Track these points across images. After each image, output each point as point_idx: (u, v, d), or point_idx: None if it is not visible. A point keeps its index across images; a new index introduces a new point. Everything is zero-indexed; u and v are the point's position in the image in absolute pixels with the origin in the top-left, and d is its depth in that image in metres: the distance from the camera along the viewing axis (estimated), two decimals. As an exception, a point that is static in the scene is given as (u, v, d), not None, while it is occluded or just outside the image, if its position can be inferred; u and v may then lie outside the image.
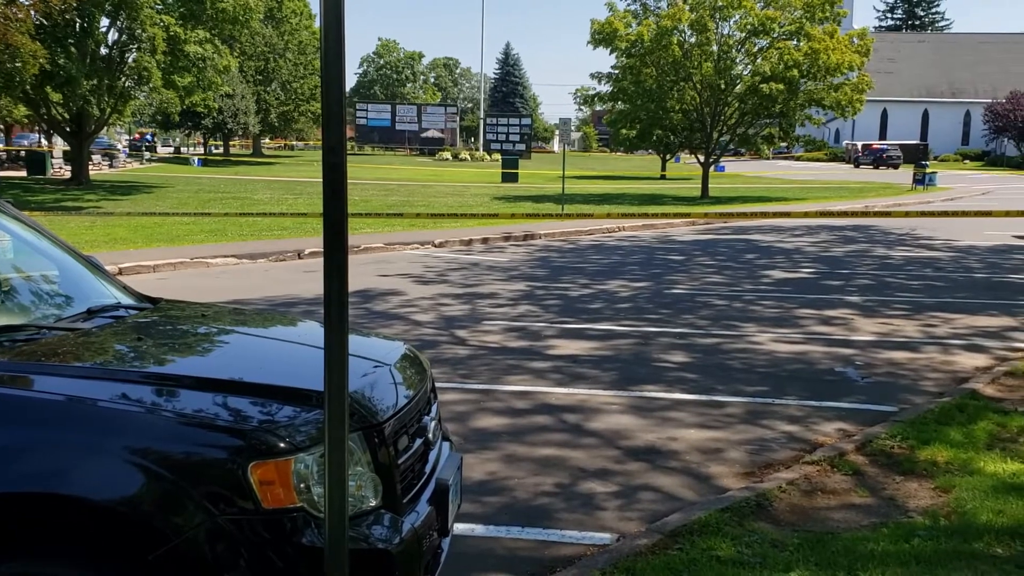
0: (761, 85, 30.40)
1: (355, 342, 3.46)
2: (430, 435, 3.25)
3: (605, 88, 34.22)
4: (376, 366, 3.22)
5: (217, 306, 4.07)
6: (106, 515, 2.43)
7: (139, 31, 28.06)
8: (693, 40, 31.51)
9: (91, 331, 3.23)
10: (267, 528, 2.51)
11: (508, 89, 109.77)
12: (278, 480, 2.53)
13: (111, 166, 48.78)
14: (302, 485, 2.57)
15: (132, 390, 2.68)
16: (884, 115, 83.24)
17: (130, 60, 29.73)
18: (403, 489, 2.93)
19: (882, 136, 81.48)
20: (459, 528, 4.43)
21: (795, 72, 30.03)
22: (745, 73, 32.32)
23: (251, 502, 2.50)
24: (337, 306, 1.98)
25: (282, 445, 2.57)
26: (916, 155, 60.40)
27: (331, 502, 2.11)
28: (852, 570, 3.93)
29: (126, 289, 3.92)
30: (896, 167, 63.85)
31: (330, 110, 1.99)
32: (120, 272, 12.72)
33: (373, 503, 2.77)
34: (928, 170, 40.97)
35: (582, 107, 42.02)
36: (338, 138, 1.98)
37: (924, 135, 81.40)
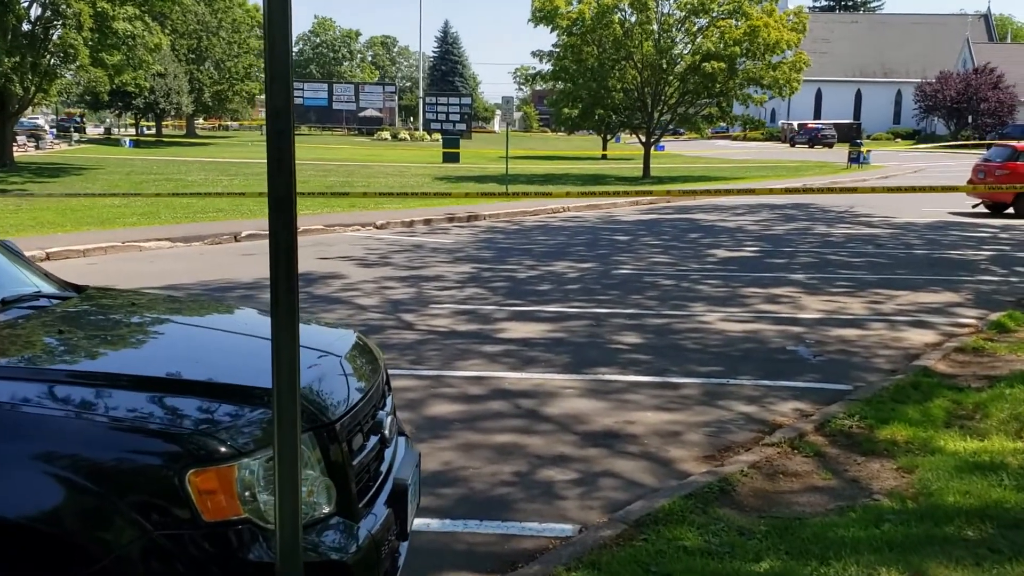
0: (703, 64, 30.45)
1: (302, 332, 3.19)
2: (386, 431, 3.01)
3: (546, 67, 33.96)
4: (324, 357, 2.96)
5: (149, 294, 3.75)
6: (23, 533, 2.15)
7: (64, 6, 26.88)
8: (634, 19, 31.40)
9: (5, 323, 2.91)
10: (209, 543, 2.25)
11: (447, 68, 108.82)
12: (220, 489, 2.27)
13: (37, 147, 46.95)
14: (247, 493, 2.31)
15: (51, 390, 2.39)
16: (819, 95, 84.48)
17: (55, 37, 28.49)
18: (358, 492, 2.69)
19: (816, 115, 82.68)
20: (415, 523, 4.20)
21: (736, 49, 30.13)
22: (685, 52, 32.34)
23: (190, 514, 2.24)
24: (286, 296, 1.73)
25: (223, 450, 2.31)
26: (850, 134, 61.39)
27: (282, 513, 1.86)
28: (824, 558, 3.80)
29: (48, 277, 3.59)
30: (831, 146, 64.82)
31: (274, 69, 1.72)
32: (48, 257, 12.14)
33: (326, 510, 2.53)
34: (862, 149, 41.62)
35: (522, 86, 41.82)
36: (284, 101, 1.71)
37: (857, 114, 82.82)
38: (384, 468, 2.97)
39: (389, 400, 3.25)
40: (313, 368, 2.82)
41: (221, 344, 3.11)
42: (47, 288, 3.42)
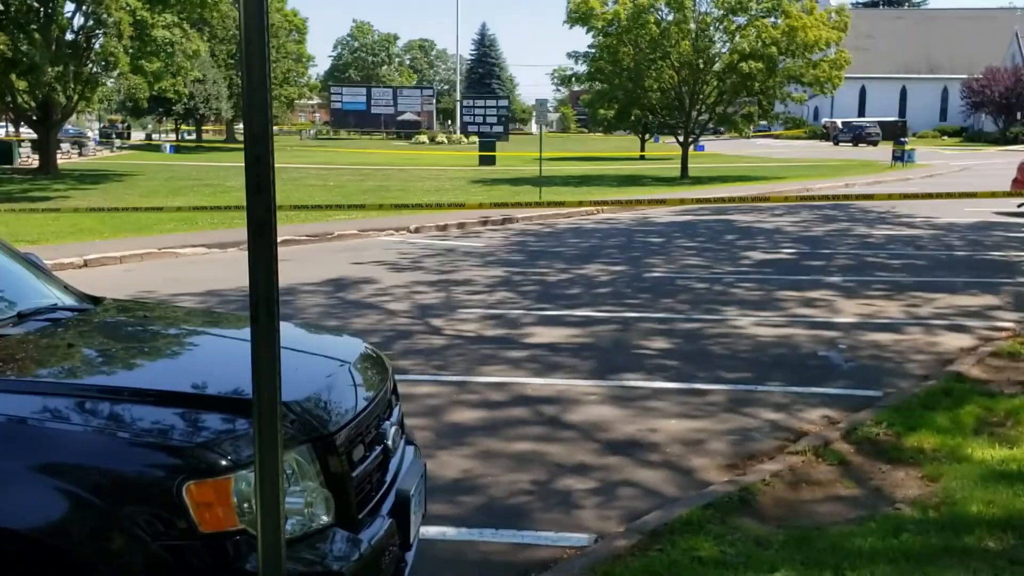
0: (740, 63, 30.20)
1: (307, 341, 3.23)
2: (390, 442, 3.03)
3: (582, 68, 33.92)
4: (330, 369, 2.99)
5: (164, 306, 3.83)
6: (21, 543, 2.20)
7: (105, 15, 27.35)
8: (670, 18, 31.24)
9: (19, 337, 2.98)
10: (206, 554, 2.29)
11: (484, 70, 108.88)
12: (217, 501, 2.31)
13: (80, 154, 47.87)
14: (244, 505, 2.35)
15: (55, 403, 2.45)
16: (862, 92, 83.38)
17: (96, 46, 29.01)
18: (359, 503, 2.71)
19: (860, 113, 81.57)
20: (431, 531, 4.22)
21: (773, 49, 29.84)
22: (723, 51, 32.09)
23: (187, 525, 2.28)
24: (267, 318, 1.75)
25: (222, 462, 2.34)
26: (895, 132, 60.45)
27: (264, 533, 1.88)
28: (839, 569, 3.76)
29: (67, 288, 3.67)
30: (875, 144, 63.84)
31: (253, 95, 1.75)
32: (86, 264, 12.39)
33: (325, 520, 2.56)
34: (907, 147, 40.96)
35: (559, 87, 41.76)
36: (262, 127, 1.74)
37: (902, 112, 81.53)
38: (388, 478, 2.99)
39: (396, 411, 3.27)
40: (316, 379, 2.85)
41: (227, 355, 3.15)
42: (65, 300, 3.50)
